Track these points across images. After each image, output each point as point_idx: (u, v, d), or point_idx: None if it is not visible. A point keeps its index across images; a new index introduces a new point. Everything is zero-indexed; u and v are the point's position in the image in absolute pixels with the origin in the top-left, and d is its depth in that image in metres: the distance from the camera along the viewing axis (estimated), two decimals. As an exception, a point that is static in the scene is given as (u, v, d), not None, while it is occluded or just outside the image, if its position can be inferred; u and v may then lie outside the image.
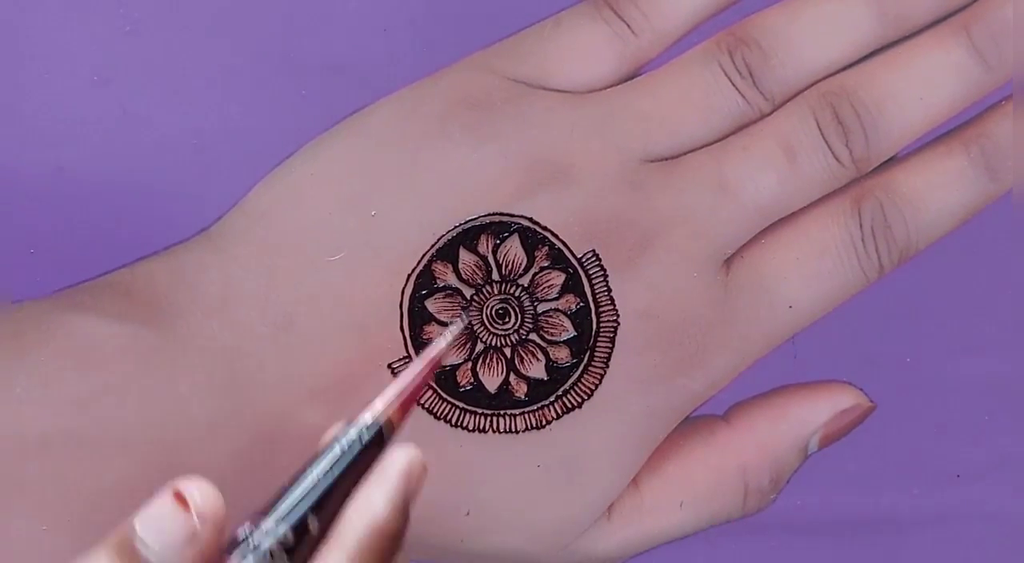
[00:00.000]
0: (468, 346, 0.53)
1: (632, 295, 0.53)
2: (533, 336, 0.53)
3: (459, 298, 0.53)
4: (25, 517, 0.52)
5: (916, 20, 0.54)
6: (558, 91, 0.53)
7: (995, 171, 0.54)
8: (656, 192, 0.53)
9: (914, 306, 0.55)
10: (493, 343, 0.53)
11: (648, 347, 0.53)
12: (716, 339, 0.54)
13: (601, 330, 0.53)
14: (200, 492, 0.39)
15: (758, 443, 0.55)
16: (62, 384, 0.52)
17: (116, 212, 0.52)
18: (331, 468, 0.39)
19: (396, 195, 0.52)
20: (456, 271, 0.53)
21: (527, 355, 0.53)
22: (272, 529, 0.38)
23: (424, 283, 0.52)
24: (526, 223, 0.53)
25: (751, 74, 0.54)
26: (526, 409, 0.53)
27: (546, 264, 0.53)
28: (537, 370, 0.53)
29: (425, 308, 0.52)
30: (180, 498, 0.39)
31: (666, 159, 0.54)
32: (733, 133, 0.54)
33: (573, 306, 0.53)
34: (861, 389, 0.56)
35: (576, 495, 0.54)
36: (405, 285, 0.52)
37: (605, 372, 0.53)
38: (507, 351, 0.53)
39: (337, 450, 0.39)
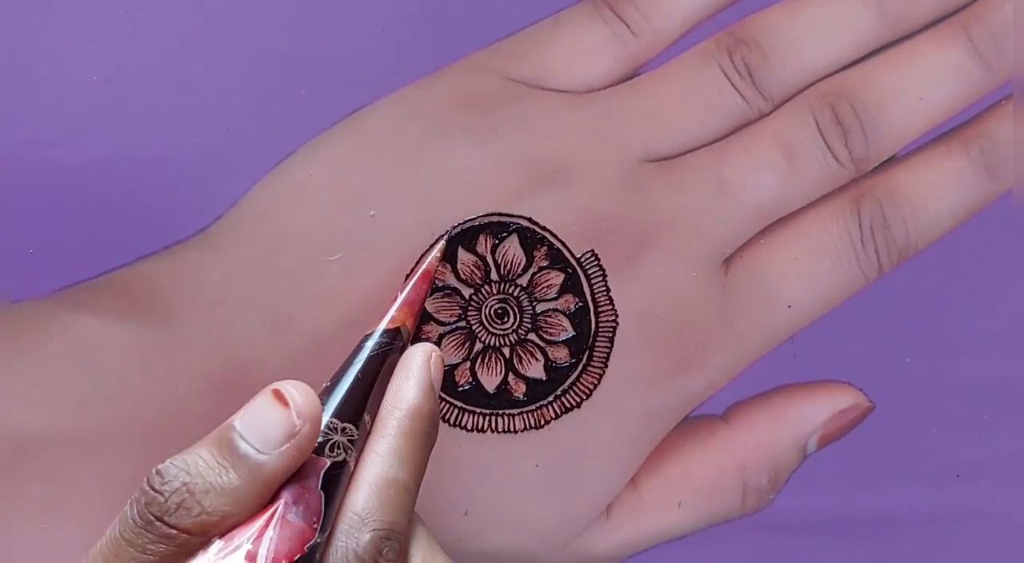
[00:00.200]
0: (467, 346, 0.53)
1: (631, 295, 0.53)
2: (532, 336, 0.53)
3: (458, 298, 0.53)
4: (25, 517, 0.52)
5: (916, 20, 0.54)
6: (557, 91, 0.53)
7: (995, 171, 0.55)
8: (655, 192, 0.53)
9: (913, 306, 0.55)
10: (492, 343, 0.53)
11: (647, 347, 0.53)
12: (715, 339, 0.54)
13: (600, 330, 0.53)
14: (299, 392, 0.43)
15: (757, 443, 0.55)
16: (62, 384, 0.52)
17: (116, 212, 0.52)
18: (367, 370, 0.46)
19: (395, 195, 0.52)
20: (455, 271, 0.53)
21: (526, 355, 0.53)
22: (339, 428, 0.45)
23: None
24: (525, 223, 0.53)
25: (750, 74, 0.54)
26: (525, 409, 0.53)
27: (545, 264, 0.53)
28: (536, 370, 0.53)
29: (424, 307, 0.52)
30: (280, 397, 0.43)
31: (665, 159, 0.54)
32: (733, 133, 0.54)
33: (572, 306, 0.53)
34: (860, 389, 0.56)
35: (575, 494, 0.54)
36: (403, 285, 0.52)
37: (604, 372, 0.53)
38: (506, 351, 0.53)
39: (366, 355, 0.47)
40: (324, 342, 0.51)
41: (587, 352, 0.53)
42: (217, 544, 0.41)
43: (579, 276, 0.53)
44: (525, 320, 0.53)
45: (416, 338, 0.52)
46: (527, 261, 0.53)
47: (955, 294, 0.56)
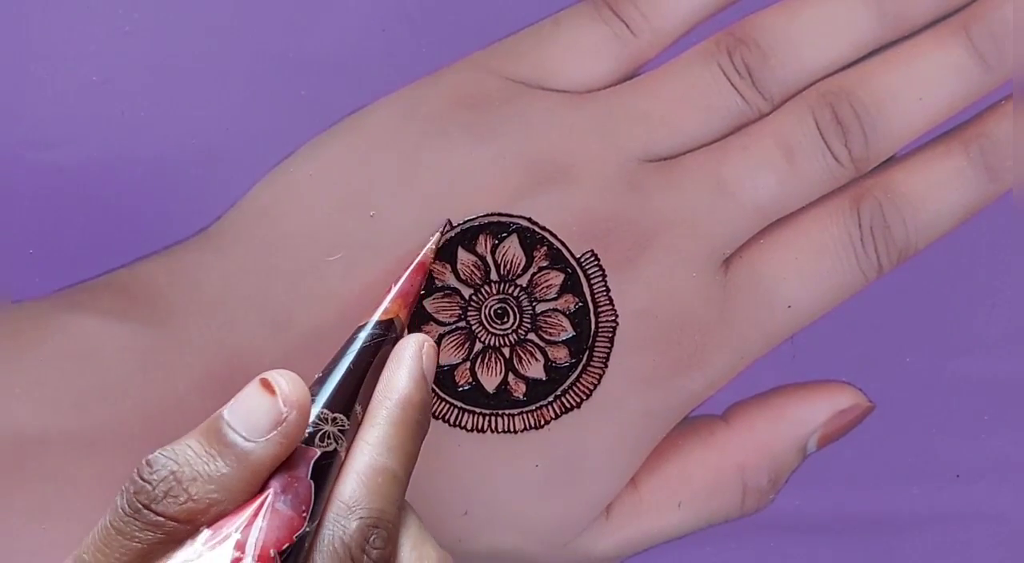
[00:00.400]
0: (467, 346, 0.53)
1: (631, 295, 0.53)
2: (532, 336, 0.53)
3: (458, 298, 0.53)
4: (25, 516, 0.52)
5: (915, 20, 0.54)
6: (557, 91, 0.53)
7: (994, 171, 0.55)
8: (655, 192, 0.53)
9: (913, 306, 0.55)
10: (492, 343, 0.53)
11: (647, 347, 0.53)
12: (715, 339, 0.54)
13: (600, 330, 0.53)
14: (286, 380, 0.44)
15: (757, 443, 0.55)
16: (61, 384, 0.52)
17: (115, 212, 0.52)
18: (359, 360, 0.47)
19: (395, 195, 0.52)
20: (455, 271, 0.53)
21: (526, 355, 0.53)
22: (330, 418, 0.45)
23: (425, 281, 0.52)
24: (525, 223, 0.53)
25: (750, 74, 0.54)
26: (525, 409, 0.53)
27: (545, 264, 0.53)
28: (536, 370, 0.53)
29: (423, 308, 0.52)
30: (267, 386, 0.43)
31: (665, 159, 0.54)
32: (732, 133, 0.54)
33: (572, 306, 0.53)
34: (860, 389, 0.56)
35: (575, 494, 0.54)
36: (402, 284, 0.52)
37: (604, 372, 0.53)
38: (506, 351, 0.53)
39: (358, 346, 0.47)
40: (323, 342, 0.51)
41: (587, 352, 0.53)
42: (205, 533, 0.42)
43: (579, 276, 0.53)
44: (525, 320, 0.53)
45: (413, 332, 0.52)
46: (527, 261, 0.53)
47: (955, 294, 0.56)
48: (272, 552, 0.42)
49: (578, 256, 0.53)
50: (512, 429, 0.53)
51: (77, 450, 0.52)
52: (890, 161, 0.55)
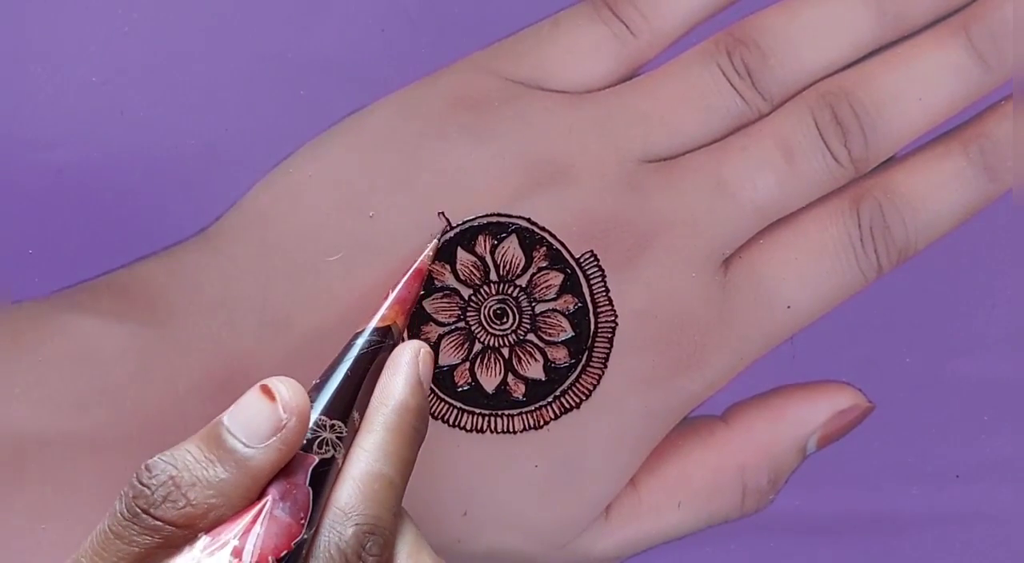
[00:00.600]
0: (466, 346, 0.53)
1: (630, 295, 0.53)
2: (531, 336, 0.53)
3: (457, 298, 0.53)
4: (25, 516, 0.52)
5: (915, 20, 0.54)
6: (556, 92, 0.53)
7: (994, 171, 0.54)
8: (655, 192, 0.53)
9: (913, 306, 0.55)
10: (491, 343, 0.53)
11: (646, 347, 0.53)
12: (714, 339, 0.54)
13: (599, 330, 0.53)
14: (287, 387, 0.44)
15: (756, 443, 0.55)
16: (61, 384, 0.52)
17: (115, 213, 0.52)
18: (357, 367, 0.47)
19: (394, 196, 0.52)
20: (454, 271, 0.53)
21: (525, 355, 0.53)
22: (328, 425, 0.45)
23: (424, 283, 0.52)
24: (524, 223, 0.53)
25: (750, 74, 0.54)
26: (524, 409, 0.53)
27: (544, 264, 0.53)
28: (535, 370, 0.53)
29: (423, 308, 0.52)
30: (267, 392, 0.43)
31: (665, 159, 0.54)
32: (732, 133, 0.54)
33: (571, 306, 0.53)
34: (860, 389, 0.56)
35: (574, 495, 0.54)
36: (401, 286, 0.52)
37: (603, 372, 0.53)
38: (505, 351, 0.53)
39: (355, 352, 0.47)
40: (323, 342, 0.51)
41: (586, 352, 0.53)
42: (204, 539, 0.42)
43: (578, 276, 0.53)
44: (524, 320, 0.53)
45: (414, 338, 0.52)
46: (526, 261, 0.53)
47: (955, 294, 0.56)
48: (270, 559, 0.42)
49: (577, 256, 0.53)
50: (511, 429, 0.53)
51: (77, 451, 0.52)
52: (890, 161, 0.55)
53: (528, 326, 0.53)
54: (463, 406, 0.53)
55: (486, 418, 0.53)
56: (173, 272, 0.52)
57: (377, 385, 0.47)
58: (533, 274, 0.53)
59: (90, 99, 0.52)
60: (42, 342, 0.52)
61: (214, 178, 0.52)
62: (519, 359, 0.53)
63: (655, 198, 0.53)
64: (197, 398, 0.52)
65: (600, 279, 0.53)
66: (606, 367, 0.53)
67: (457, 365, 0.53)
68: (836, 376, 0.56)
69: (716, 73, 0.54)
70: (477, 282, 0.53)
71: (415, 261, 0.52)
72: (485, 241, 0.52)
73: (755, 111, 0.54)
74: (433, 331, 0.53)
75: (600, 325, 0.53)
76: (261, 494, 0.43)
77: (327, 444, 0.44)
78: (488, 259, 0.53)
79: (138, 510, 0.42)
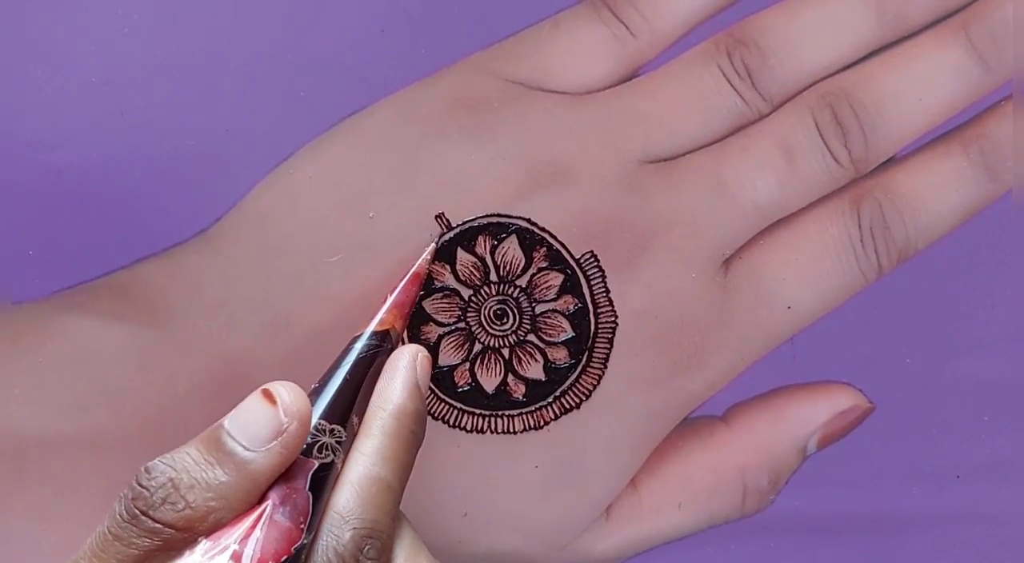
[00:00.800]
0: (466, 347, 0.53)
1: (630, 296, 0.53)
2: (531, 337, 0.53)
3: (457, 299, 0.53)
4: (25, 517, 0.52)
5: (915, 21, 0.54)
6: (556, 92, 0.53)
7: (994, 171, 0.54)
8: (655, 193, 0.53)
9: (913, 306, 0.55)
10: (491, 344, 0.53)
11: (647, 348, 0.53)
12: (715, 340, 0.54)
13: (599, 331, 0.53)
14: (288, 391, 0.44)
15: (757, 444, 0.55)
16: (61, 385, 0.52)
17: (115, 214, 0.52)
18: (355, 371, 0.47)
19: (394, 197, 0.52)
20: (454, 272, 0.53)
21: (525, 356, 0.53)
22: (327, 429, 0.45)
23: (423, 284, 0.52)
24: (524, 224, 0.53)
25: (750, 75, 0.54)
26: (524, 410, 0.53)
27: (544, 265, 0.53)
28: (535, 371, 0.53)
29: (422, 308, 0.52)
30: (268, 396, 0.43)
31: (665, 160, 0.54)
32: (732, 134, 0.54)
33: (571, 307, 0.53)
34: (860, 390, 0.56)
35: (574, 496, 0.54)
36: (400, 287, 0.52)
37: (603, 373, 0.53)
38: (505, 352, 0.53)
39: (354, 356, 0.47)
40: (323, 343, 0.51)
41: (586, 353, 0.53)
42: (204, 544, 0.42)
43: (578, 277, 0.53)
44: (524, 321, 0.53)
45: (415, 339, 0.52)
46: (526, 262, 0.53)
47: (955, 294, 0.56)
48: None
49: (578, 257, 0.53)
50: (512, 430, 0.53)
51: (77, 452, 0.52)
52: (890, 162, 0.55)
53: (528, 326, 0.53)
54: (463, 407, 0.53)
55: (486, 419, 0.53)
56: (173, 273, 0.52)
57: (375, 389, 0.47)
58: (533, 274, 0.53)
59: (90, 100, 0.52)
60: (42, 343, 0.52)
61: (214, 179, 0.52)
62: (519, 359, 0.53)
63: (655, 199, 0.53)
64: (197, 398, 0.52)
65: (600, 279, 0.53)
66: (606, 367, 0.53)
67: (457, 365, 0.53)
68: (836, 376, 0.56)
69: (716, 74, 0.53)
70: (477, 283, 0.53)
71: (413, 264, 0.51)
72: (485, 242, 0.53)
73: (755, 111, 0.54)
74: (433, 331, 0.53)
75: (600, 325, 0.53)
76: (261, 499, 0.43)
77: (327, 448, 0.44)
78: (488, 259, 0.53)
79: (137, 512, 0.42)
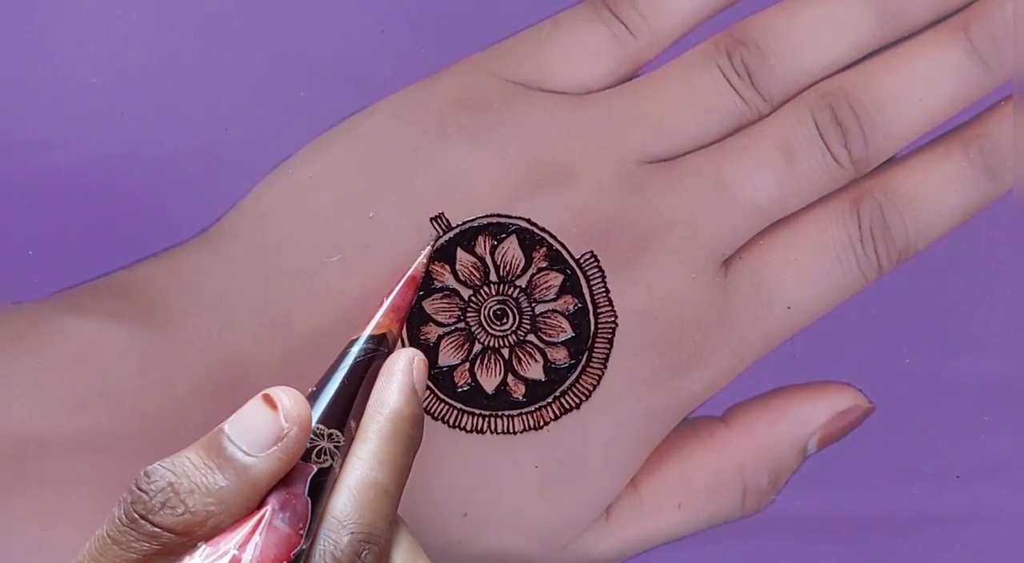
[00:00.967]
0: (466, 347, 0.53)
1: (630, 296, 0.53)
2: (531, 337, 0.53)
3: (457, 299, 0.53)
4: (24, 518, 0.52)
5: (915, 21, 0.54)
6: (556, 93, 0.53)
7: (994, 171, 0.54)
8: (654, 193, 0.53)
9: (913, 306, 0.55)
10: (491, 344, 0.53)
11: (646, 348, 0.53)
12: (714, 340, 0.54)
13: (599, 331, 0.53)
14: (288, 397, 0.44)
15: (757, 444, 0.55)
16: (61, 386, 0.52)
17: (115, 214, 0.52)
18: (352, 375, 0.47)
19: (394, 197, 0.52)
20: (454, 272, 0.53)
21: (525, 356, 0.53)
22: (325, 434, 0.45)
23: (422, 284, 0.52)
24: (524, 224, 0.53)
25: (749, 75, 0.53)
26: (524, 410, 0.53)
27: (544, 265, 0.53)
28: (535, 371, 0.53)
29: (422, 308, 0.52)
30: (269, 401, 0.43)
31: (664, 160, 0.54)
32: (731, 134, 0.54)
33: (571, 307, 0.53)
34: (860, 390, 0.56)
35: (575, 496, 0.54)
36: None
37: (603, 373, 0.53)
38: (505, 352, 0.53)
39: (351, 361, 0.47)
40: (323, 343, 0.51)
41: (586, 353, 0.53)
42: (203, 549, 0.41)
43: (578, 277, 0.53)
44: (524, 321, 0.53)
45: (415, 340, 0.52)
46: (526, 262, 0.53)
47: (955, 294, 0.56)
48: None
49: (577, 257, 0.53)
50: (511, 430, 0.53)
51: (77, 452, 0.52)
52: (890, 162, 0.55)
53: (528, 327, 0.53)
54: (463, 407, 0.53)
55: (486, 419, 0.53)
56: (173, 273, 0.52)
57: (372, 393, 0.47)
58: (533, 275, 0.53)
59: (90, 100, 0.52)
60: (42, 343, 0.52)
61: (214, 179, 0.52)
62: (519, 360, 0.53)
63: (655, 199, 0.53)
64: (197, 399, 0.52)
65: (600, 280, 0.53)
66: (606, 368, 0.53)
67: (457, 366, 0.53)
68: (836, 376, 0.56)
69: (716, 74, 0.53)
70: (477, 283, 0.53)
71: (410, 267, 0.51)
72: (485, 242, 0.53)
73: (755, 112, 0.54)
74: (433, 332, 0.53)
75: (600, 326, 0.53)
76: (260, 504, 0.43)
77: (325, 453, 0.44)
78: (488, 260, 0.53)
79: (136, 516, 0.41)
